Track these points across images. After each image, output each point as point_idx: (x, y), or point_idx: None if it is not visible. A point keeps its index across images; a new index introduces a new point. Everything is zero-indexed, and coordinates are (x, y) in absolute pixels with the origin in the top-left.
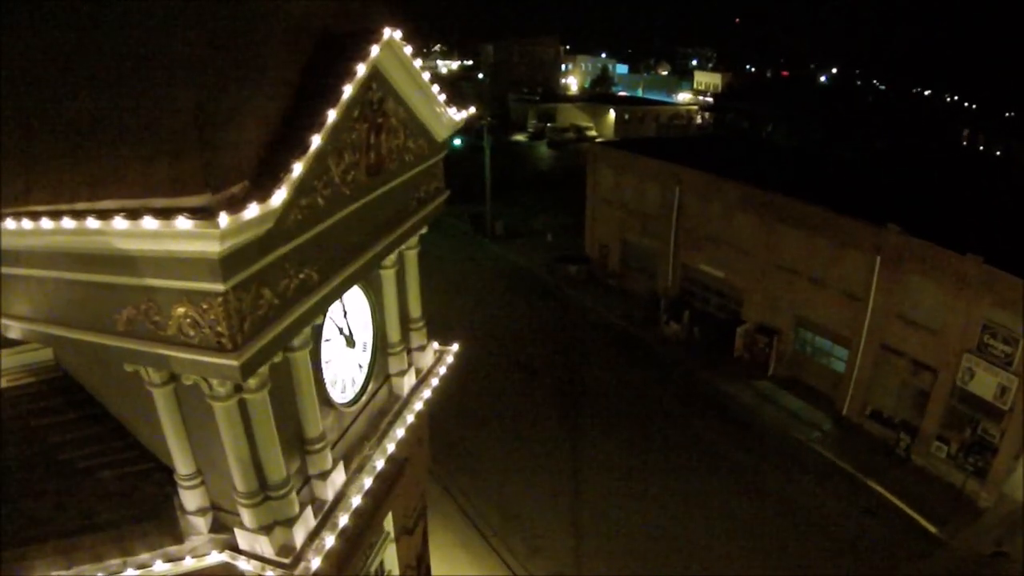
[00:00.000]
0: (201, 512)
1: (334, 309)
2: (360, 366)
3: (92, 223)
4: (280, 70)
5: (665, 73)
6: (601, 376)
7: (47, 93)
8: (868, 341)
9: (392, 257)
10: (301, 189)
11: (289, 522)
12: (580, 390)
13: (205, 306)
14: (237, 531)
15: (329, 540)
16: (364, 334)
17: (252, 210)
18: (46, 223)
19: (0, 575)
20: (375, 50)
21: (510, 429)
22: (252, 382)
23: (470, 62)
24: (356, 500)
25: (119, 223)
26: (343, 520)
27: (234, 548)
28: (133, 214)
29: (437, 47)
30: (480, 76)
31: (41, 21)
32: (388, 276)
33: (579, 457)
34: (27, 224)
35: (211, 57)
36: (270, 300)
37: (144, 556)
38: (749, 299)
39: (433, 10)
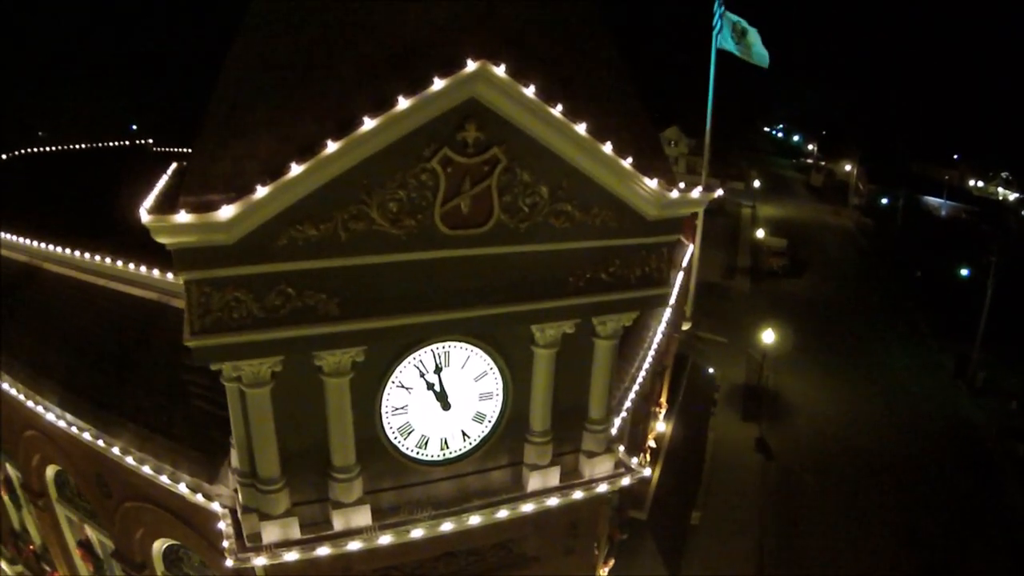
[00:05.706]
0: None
1: (424, 359)
2: (464, 434)
3: None
4: (346, 93)
5: None
6: None
7: None
8: None
9: (547, 336)
10: (289, 215)
11: (265, 516)
12: None
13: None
14: (237, 498)
15: (290, 556)
16: (483, 405)
17: (181, 216)
18: None
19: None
20: (437, 84)
21: None
22: (244, 376)
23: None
24: (354, 545)
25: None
26: (322, 551)
27: (232, 510)
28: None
29: (1004, 174)
30: None
31: None
32: (542, 356)
33: None
34: None
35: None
36: (250, 308)
37: (181, 473)
38: None
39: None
